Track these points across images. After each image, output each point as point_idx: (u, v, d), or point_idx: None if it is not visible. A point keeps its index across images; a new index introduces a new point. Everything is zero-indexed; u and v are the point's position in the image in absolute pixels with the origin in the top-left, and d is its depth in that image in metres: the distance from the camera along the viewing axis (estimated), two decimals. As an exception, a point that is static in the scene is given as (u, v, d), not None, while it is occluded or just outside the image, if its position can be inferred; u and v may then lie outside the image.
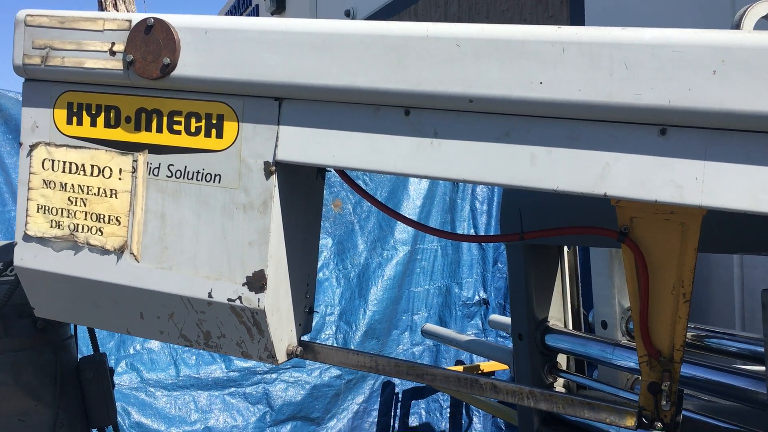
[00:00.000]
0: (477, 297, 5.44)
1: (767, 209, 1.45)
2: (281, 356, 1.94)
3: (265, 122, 1.84)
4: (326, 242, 5.01)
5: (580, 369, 3.08)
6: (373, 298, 5.05)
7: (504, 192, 2.98)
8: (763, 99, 1.41)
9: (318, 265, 2.22)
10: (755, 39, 1.41)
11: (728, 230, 1.80)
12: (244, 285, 1.86)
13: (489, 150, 1.62)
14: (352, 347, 4.91)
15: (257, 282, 1.85)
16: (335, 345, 4.89)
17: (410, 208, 5.22)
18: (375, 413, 5.07)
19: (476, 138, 1.64)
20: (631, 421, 1.73)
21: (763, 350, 1.81)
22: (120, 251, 1.97)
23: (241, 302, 1.86)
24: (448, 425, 5.31)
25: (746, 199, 1.45)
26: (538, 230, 1.96)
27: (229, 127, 1.87)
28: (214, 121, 1.88)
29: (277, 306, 1.90)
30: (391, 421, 5.12)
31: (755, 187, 1.45)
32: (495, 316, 4.70)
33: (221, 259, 1.88)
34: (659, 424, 1.73)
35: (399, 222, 5.25)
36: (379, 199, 5.23)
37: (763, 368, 2.13)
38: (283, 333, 1.94)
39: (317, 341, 4.99)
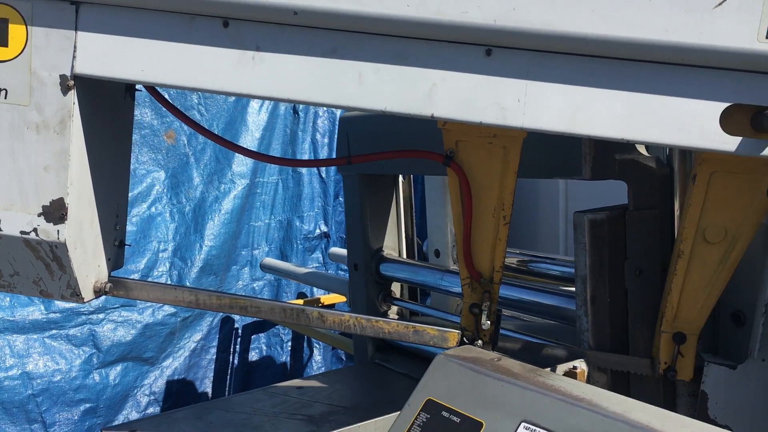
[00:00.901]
0: (318, 230, 5.39)
1: (582, 131, 1.48)
2: (87, 294, 1.76)
3: (60, 28, 1.61)
4: (158, 175, 4.72)
5: (414, 296, 3.13)
6: (210, 233, 4.85)
7: (340, 120, 2.90)
8: (583, 22, 1.41)
9: (129, 195, 2.03)
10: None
11: (541, 155, 1.85)
12: (40, 215, 1.65)
13: (314, 67, 1.52)
14: (188, 284, 4.72)
15: (56, 212, 1.64)
16: (169, 282, 4.68)
17: (249, 140, 5.01)
18: (214, 350, 4.95)
19: (301, 54, 1.53)
20: (453, 341, 1.76)
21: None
22: None
23: (36, 235, 1.66)
24: (289, 359, 5.31)
25: (564, 121, 1.48)
26: (366, 154, 1.91)
27: (16, 33, 1.62)
28: (-5, 26, 1.62)
29: (81, 239, 1.71)
30: (231, 357, 5.02)
31: (572, 108, 1.47)
32: (335, 249, 4.69)
33: (11, 186, 1.65)
34: (479, 342, 1.77)
35: (237, 154, 5.06)
36: (216, 132, 4.99)
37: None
38: (88, 269, 1.76)
39: (149, 279, 4.74)
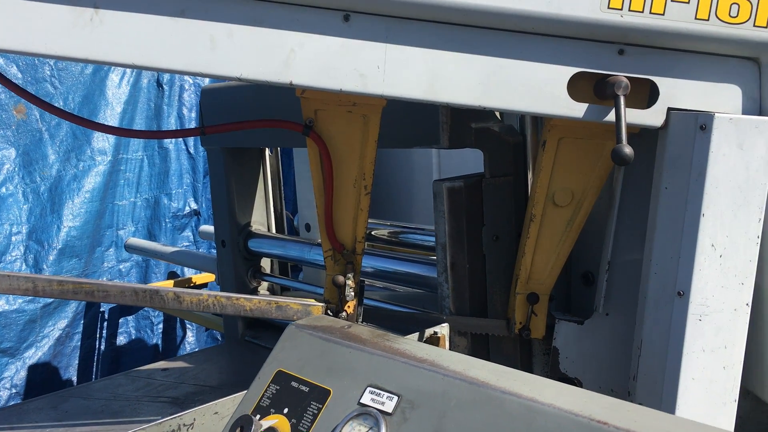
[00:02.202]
0: (188, 208, 5.20)
1: (440, 98, 1.50)
2: None
3: None
4: (9, 153, 4.37)
5: (285, 272, 3.09)
6: (69, 214, 4.56)
7: (202, 91, 2.78)
8: None
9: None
10: None
11: (399, 125, 1.86)
12: None
13: (161, 29, 1.42)
14: (45, 269, 4.42)
15: None
16: (24, 268, 4.37)
17: (109, 114, 4.73)
18: (79, 337, 4.69)
19: (146, 13, 1.42)
20: (317, 315, 1.74)
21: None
22: None
23: None
24: (161, 341, 5.12)
25: (422, 89, 1.49)
26: (220, 124, 1.83)
27: None
28: None
29: None
30: (97, 342, 4.78)
31: (431, 75, 1.48)
32: (205, 227, 4.54)
33: None
34: (343, 315, 1.76)
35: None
36: (72, 107, 4.67)
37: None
38: None
39: (1, 265, 4.39)
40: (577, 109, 1.54)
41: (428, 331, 1.70)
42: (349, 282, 1.74)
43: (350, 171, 1.73)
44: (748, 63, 1.54)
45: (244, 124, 1.82)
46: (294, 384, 1.28)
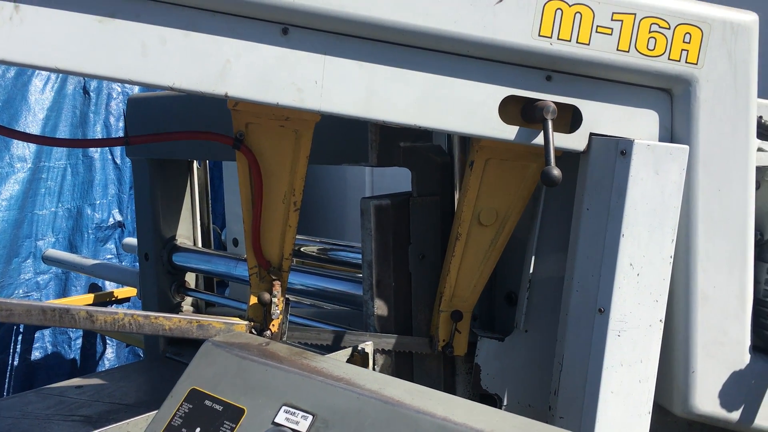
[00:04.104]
0: (112, 220, 4.99)
1: (377, 116, 1.49)
2: None
3: None
4: None
5: (210, 287, 2.99)
6: (-15, 223, 4.31)
7: (128, 100, 2.68)
8: (379, 7, 1.41)
9: None
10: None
11: (329, 141, 1.83)
12: None
13: (89, 31, 1.34)
14: (-44, 279, 4.15)
15: None
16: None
17: (31, 121, 4.51)
18: (-9, 353, 4.42)
19: (72, 12, 1.33)
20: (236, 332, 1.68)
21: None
22: None
23: None
24: (78, 357, 4.87)
25: (360, 106, 1.48)
26: (146, 135, 1.76)
27: None
28: None
29: None
30: (10, 358, 4.50)
31: (368, 93, 1.47)
32: (129, 239, 4.37)
33: None
34: (268, 333, 1.70)
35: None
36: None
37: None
38: None
39: None
40: (508, 132, 1.56)
41: (351, 349, 1.67)
42: (275, 300, 1.69)
43: (280, 186, 1.69)
44: (663, 93, 1.60)
45: (171, 136, 1.75)
46: (208, 403, 1.22)
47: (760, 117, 1.67)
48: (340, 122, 1.55)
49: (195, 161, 2.80)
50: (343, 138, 1.90)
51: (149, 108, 2.54)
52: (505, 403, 1.83)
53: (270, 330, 1.70)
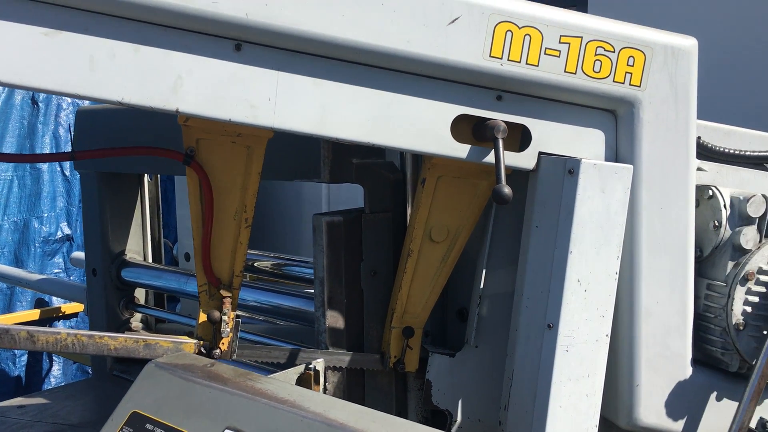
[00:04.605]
0: (60, 233, 4.85)
1: (330, 133, 1.48)
2: None
3: None
4: None
5: (161, 303, 2.92)
6: (-75, 236, 4.14)
7: (77, 112, 2.60)
8: (334, 26, 1.40)
9: None
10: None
11: (281, 157, 1.81)
12: None
13: (35, 44, 1.30)
14: None
15: None
16: None
17: (-25, 132, 4.37)
18: (-71, 369, 4.22)
19: (18, 23, 1.28)
20: (180, 352, 1.63)
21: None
22: None
23: None
24: (23, 374, 4.69)
25: (313, 123, 1.47)
26: (94, 149, 1.71)
27: None
28: None
29: None
30: (-51, 376, 4.32)
31: (322, 110, 1.46)
32: (78, 253, 4.24)
33: None
34: (217, 352, 1.66)
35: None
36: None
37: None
38: None
39: None
40: (460, 150, 1.57)
41: (302, 367, 1.64)
42: (225, 318, 1.65)
43: (231, 203, 1.66)
44: (608, 114, 1.63)
45: (119, 151, 1.71)
46: (149, 426, 1.19)
47: (699, 137, 1.71)
48: (293, 138, 1.54)
49: (146, 174, 2.74)
50: (296, 154, 1.88)
51: (99, 120, 2.48)
52: (455, 418, 1.82)
53: (219, 348, 1.66)
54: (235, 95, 1.41)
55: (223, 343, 1.66)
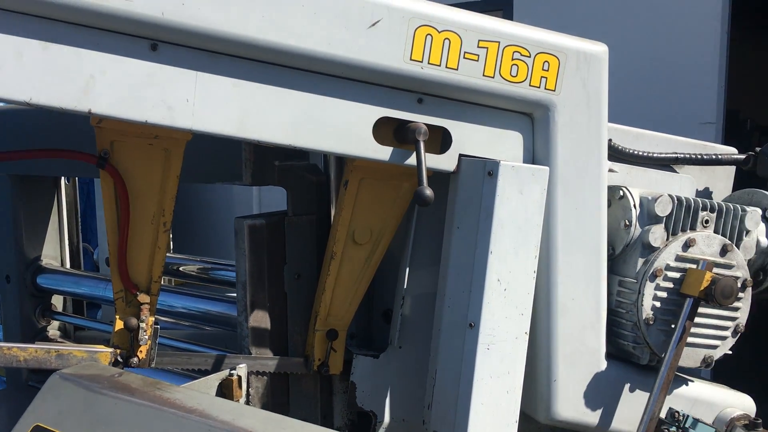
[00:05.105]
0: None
1: (251, 135, 1.45)
2: None
3: None
4: None
5: (80, 310, 2.79)
6: None
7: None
8: (254, 27, 1.37)
9: None
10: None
11: (201, 159, 1.76)
12: None
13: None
14: None
15: None
16: None
17: None
18: None
19: None
20: (105, 363, 1.56)
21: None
22: None
23: None
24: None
25: (234, 125, 1.43)
26: (4, 152, 1.61)
27: None
28: None
29: None
30: None
31: (242, 112, 1.43)
32: (-9, 260, 4.02)
33: None
34: (135, 361, 1.60)
35: None
36: None
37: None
38: None
39: None
40: (382, 152, 1.56)
41: (224, 373, 1.59)
42: (143, 325, 1.59)
43: (148, 207, 1.60)
44: (525, 117, 1.65)
45: (30, 153, 1.62)
46: (52, 440, 1.12)
47: (611, 140, 1.77)
48: (213, 140, 1.49)
49: (63, 177, 2.61)
50: (217, 156, 1.83)
51: (10, 121, 2.35)
52: (380, 419, 1.81)
53: (137, 357, 1.60)
54: (151, 96, 1.36)
55: (141, 351, 1.60)
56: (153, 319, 1.62)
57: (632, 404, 1.79)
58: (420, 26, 1.48)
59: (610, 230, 1.76)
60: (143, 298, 1.61)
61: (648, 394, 1.74)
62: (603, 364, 1.77)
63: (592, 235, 1.71)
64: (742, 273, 1.80)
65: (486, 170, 1.58)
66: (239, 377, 1.57)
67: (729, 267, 1.79)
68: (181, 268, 2.75)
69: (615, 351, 1.81)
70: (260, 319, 1.79)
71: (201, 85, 1.40)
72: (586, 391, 1.75)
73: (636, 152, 1.85)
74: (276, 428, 1.11)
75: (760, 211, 1.89)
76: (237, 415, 1.14)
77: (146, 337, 1.60)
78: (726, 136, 3.99)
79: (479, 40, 1.53)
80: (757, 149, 2.03)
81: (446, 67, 1.52)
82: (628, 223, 1.76)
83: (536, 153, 1.66)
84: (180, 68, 1.38)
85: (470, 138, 1.62)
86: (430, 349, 1.72)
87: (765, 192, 1.97)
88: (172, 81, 1.37)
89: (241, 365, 1.63)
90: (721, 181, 2.06)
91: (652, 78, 4.18)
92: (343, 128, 1.51)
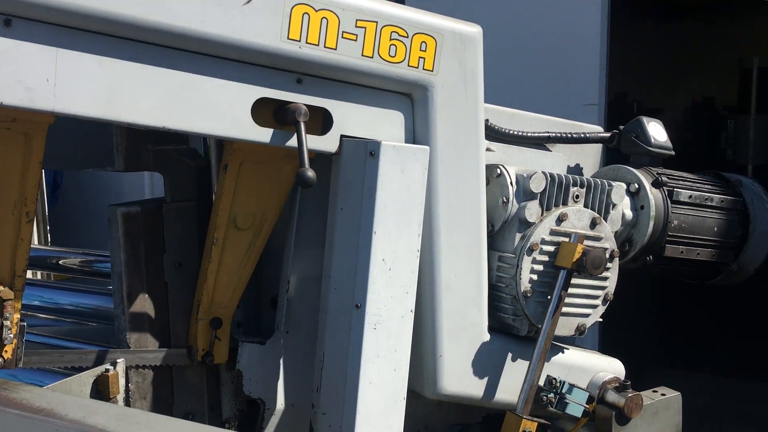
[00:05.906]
0: None
1: (120, 117, 1.38)
2: None
3: None
4: None
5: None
6: None
7: None
8: (119, 2, 1.30)
9: None
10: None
11: (69, 144, 1.65)
12: None
13: None
14: None
15: None
16: None
17: None
18: None
19: None
20: None
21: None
22: None
23: None
24: None
25: (100, 106, 1.36)
26: None
27: None
28: None
29: None
30: None
31: (109, 93, 1.36)
32: None
33: None
34: (0, 361, 1.47)
35: None
36: None
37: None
38: None
39: None
40: (261, 134, 1.53)
41: (98, 369, 1.50)
42: (7, 323, 1.47)
43: (8, 196, 1.48)
44: (405, 98, 1.67)
45: None
46: None
47: (487, 120, 1.82)
48: (81, 123, 1.40)
49: None
50: (85, 140, 1.73)
51: None
52: (268, 406, 1.78)
53: (2, 357, 1.48)
54: (6, 75, 1.26)
55: (6, 351, 1.48)
56: (18, 316, 1.50)
57: (514, 375, 1.86)
58: (297, 4, 1.46)
59: (489, 207, 1.81)
60: (6, 294, 1.49)
61: (528, 364, 1.81)
62: (486, 338, 1.82)
63: (472, 212, 1.75)
64: (610, 244, 1.91)
65: (368, 151, 1.58)
66: (116, 373, 1.49)
67: (598, 239, 1.89)
68: (61, 262, 2.58)
69: (496, 324, 1.87)
70: (139, 310, 1.71)
71: (62, 63, 1.31)
72: (470, 364, 1.80)
73: (511, 132, 1.91)
74: (129, 423, 1.07)
75: (624, 186, 2.01)
76: (88, 413, 1.10)
77: (11, 335, 1.48)
78: (613, 117, 4.08)
79: (357, 20, 1.53)
80: (621, 128, 2.16)
81: (325, 46, 1.50)
82: (505, 200, 1.81)
83: (416, 133, 1.68)
84: (38, 44, 1.28)
85: (351, 119, 1.61)
86: (317, 332, 1.71)
87: (628, 168, 2.10)
88: (30, 59, 1.28)
89: (119, 360, 1.55)
90: (590, 158, 2.17)
91: (538, 60, 4.30)
92: (219, 109, 1.46)
